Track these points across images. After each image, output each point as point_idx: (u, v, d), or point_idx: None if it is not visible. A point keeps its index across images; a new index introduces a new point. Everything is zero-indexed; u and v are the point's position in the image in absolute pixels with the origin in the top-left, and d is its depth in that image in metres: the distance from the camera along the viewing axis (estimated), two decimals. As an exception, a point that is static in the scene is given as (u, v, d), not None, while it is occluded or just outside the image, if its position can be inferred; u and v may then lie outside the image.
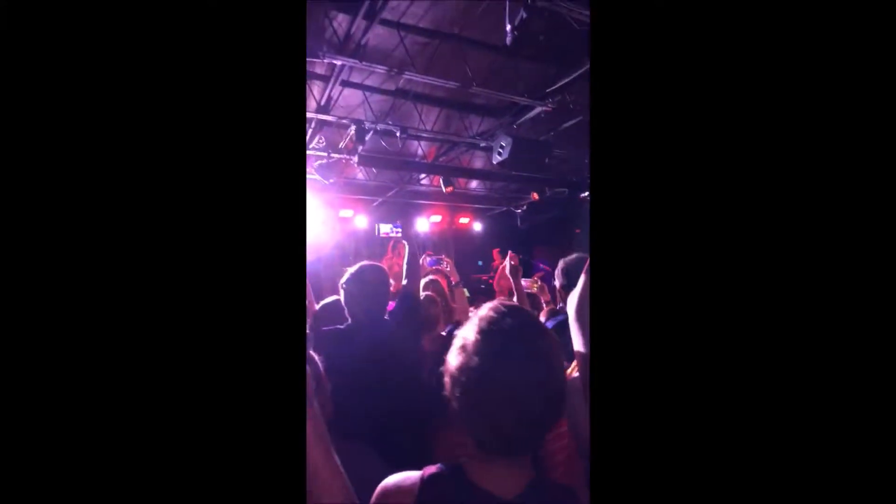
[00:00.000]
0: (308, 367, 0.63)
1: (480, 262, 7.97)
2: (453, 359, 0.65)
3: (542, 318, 1.78)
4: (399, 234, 2.03)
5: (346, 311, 1.53)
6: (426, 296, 1.76)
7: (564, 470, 1.02)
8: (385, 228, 2.12)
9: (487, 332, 0.64)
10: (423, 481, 0.63)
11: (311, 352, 1.04)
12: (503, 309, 0.67)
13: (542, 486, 0.64)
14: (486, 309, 0.68)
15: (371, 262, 1.59)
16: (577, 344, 0.80)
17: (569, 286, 1.57)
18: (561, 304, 1.85)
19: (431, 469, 0.65)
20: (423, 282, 1.90)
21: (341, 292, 1.54)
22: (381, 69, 3.63)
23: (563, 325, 1.07)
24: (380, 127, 4.53)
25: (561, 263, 1.64)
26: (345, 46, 3.44)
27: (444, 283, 2.64)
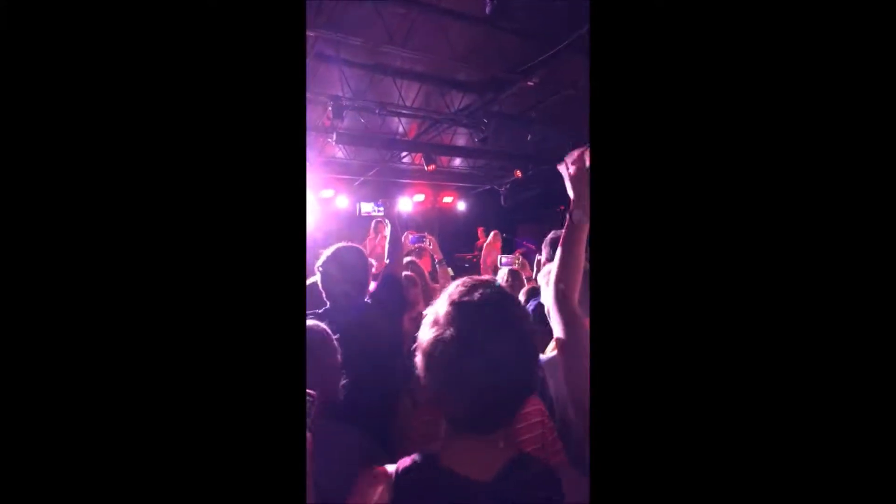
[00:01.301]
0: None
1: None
2: (425, 333, 0.63)
3: (522, 298, 1.76)
4: (381, 214, 1.98)
5: (323, 295, 1.48)
6: (406, 276, 1.73)
7: (537, 449, 1.02)
8: (367, 208, 2.06)
9: (459, 304, 0.63)
10: (398, 475, 0.62)
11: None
12: (472, 283, 0.67)
13: (520, 465, 0.62)
14: (455, 285, 0.67)
15: (348, 244, 1.55)
16: (555, 325, 0.79)
17: (552, 259, 1.55)
18: (543, 282, 1.84)
19: (405, 461, 0.63)
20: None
21: (317, 275, 1.49)
22: (357, 41, 3.49)
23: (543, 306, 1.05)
24: (358, 103, 4.39)
25: (551, 234, 1.62)
26: (318, 17, 3.28)
27: (427, 261, 2.60)
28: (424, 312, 0.67)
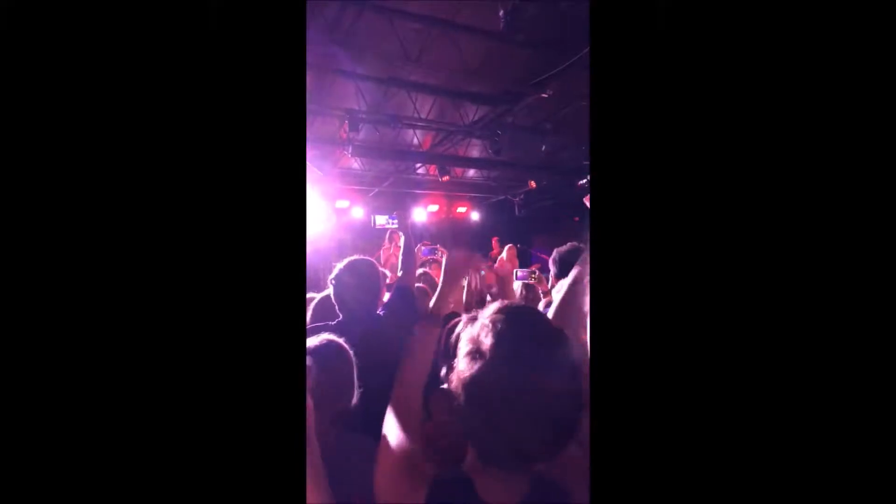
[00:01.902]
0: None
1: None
2: (466, 367, 0.59)
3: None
4: (395, 226, 2.01)
5: (336, 308, 1.50)
6: (418, 288, 1.74)
7: (562, 467, 1.00)
8: (381, 220, 2.10)
9: (507, 337, 0.58)
10: (431, 488, 0.61)
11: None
12: (517, 312, 0.63)
13: (542, 489, 0.62)
14: (493, 310, 0.63)
15: (360, 256, 1.57)
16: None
17: (560, 276, 1.55)
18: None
19: (440, 475, 0.63)
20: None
21: (330, 288, 1.51)
22: (372, 56, 3.56)
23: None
24: (373, 116, 4.47)
25: (554, 253, 1.61)
26: (335, 34, 3.37)
27: (439, 272, 2.60)
28: (461, 335, 0.63)
